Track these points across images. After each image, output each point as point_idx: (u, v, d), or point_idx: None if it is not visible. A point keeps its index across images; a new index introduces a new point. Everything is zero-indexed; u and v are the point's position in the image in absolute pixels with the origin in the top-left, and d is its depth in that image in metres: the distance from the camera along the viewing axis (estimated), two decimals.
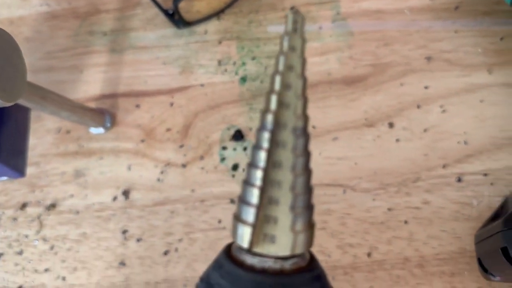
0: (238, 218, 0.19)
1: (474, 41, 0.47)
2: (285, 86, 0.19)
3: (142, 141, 0.49)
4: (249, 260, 0.18)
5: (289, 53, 0.19)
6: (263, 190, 0.18)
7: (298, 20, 0.19)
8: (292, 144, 0.18)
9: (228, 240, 0.44)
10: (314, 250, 0.41)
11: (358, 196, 0.44)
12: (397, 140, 0.45)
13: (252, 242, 0.18)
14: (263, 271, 0.18)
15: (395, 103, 0.47)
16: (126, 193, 0.47)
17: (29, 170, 0.49)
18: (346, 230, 0.43)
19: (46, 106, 0.36)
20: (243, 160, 0.46)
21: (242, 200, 0.19)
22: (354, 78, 0.48)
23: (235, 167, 0.46)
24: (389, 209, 0.43)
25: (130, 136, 0.49)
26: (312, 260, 0.19)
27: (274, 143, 0.18)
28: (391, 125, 0.46)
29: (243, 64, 0.50)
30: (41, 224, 0.47)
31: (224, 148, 0.47)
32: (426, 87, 0.47)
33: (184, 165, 0.47)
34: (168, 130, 0.49)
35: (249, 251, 0.18)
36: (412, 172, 0.44)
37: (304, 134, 0.19)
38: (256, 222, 0.18)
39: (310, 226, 0.19)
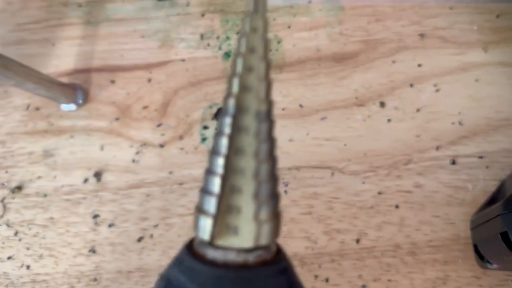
0: (199, 210, 0.17)
1: (470, 18, 0.45)
2: (247, 68, 0.18)
3: (117, 119, 0.45)
4: (211, 254, 0.17)
5: (251, 34, 0.18)
6: (225, 178, 0.17)
7: (259, 0, 0.18)
8: (255, 129, 0.17)
9: None
10: (299, 236, 0.38)
11: (347, 179, 0.41)
12: (389, 120, 0.43)
13: (213, 234, 0.17)
14: (225, 265, 0.17)
15: (386, 82, 0.44)
16: (98, 175, 0.44)
17: None
18: (334, 215, 0.41)
19: (9, 76, 0.33)
20: None
21: (204, 190, 0.17)
22: (344, 55, 0.45)
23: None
24: (379, 193, 0.41)
25: (104, 114, 0.46)
26: (279, 252, 0.18)
27: (236, 128, 0.17)
28: (382, 104, 0.43)
29: (227, 38, 0.47)
30: (5, 208, 0.44)
31: (205, 127, 0.44)
32: (419, 65, 0.44)
33: (161, 146, 0.44)
34: (145, 107, 0.45)
35: (211, 244, 0.17)
36: (403, 154, 0.42)
37: (267, 119, 0.17)
38: (218, 213, 0.17)
39: (275, 216, 0.17)
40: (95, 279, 0.41)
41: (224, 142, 0.17)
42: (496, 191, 0.38)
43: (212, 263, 0.17)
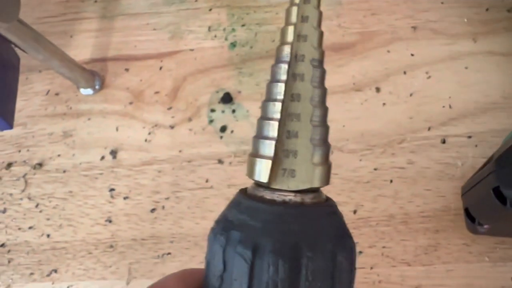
0: (255, 155, 0.18)
1: (460, 12, 0.49)
2: (302, 17, 0.18)
3: (131, 103, 0.49)
4: (269, 195, 0.18)
5: None
6: (282, 123, 0.18)
7: None
8: (310, 75, 0.18)
9: (216, 199, 0.44)
10: None
11: (345, 157, 0.45)
12: (384, 104, 0.46)
13: (271, 177, 0.17)
14: (284, 203, 0.17)
15: (382, 69, 0.47)
16: (113, 153, 0.47)
17: (16, 130, 0.49)
18: (333, 189, 0.44)
19: (39, 50, 0.37)
20: (231, 122, 0.47)
21: (259, 136, 0.18)
22: (342, 45, 0.49)
23: (223, 128, 0.47)
24: (375, 169, 0.44)
25: (119, 98, 0.49)
26: (328, 199, 0.19)
27: (292, 75, 0.18)
28: (378, 89, 0.47)
29: (233, 30, 0.50)
30: (27, 183, 0.47)
31: (212, 110, 0.48)
32: (412, 55, 0.48)
33: (172, 127, 0.47)
34: (157, 93, 0.49)
35: (267, 187, 0.18)
36: (397, 134, 0.45)
37: (321, 66, 0.18)
38: (276, 156, 0.17)
39: (327, 161, 0.18)
40: (111, 246, 0.44)
41: (280, 88, 0.18)
42: (484, 164, 0.41)
43: (272, 202, 0.17)
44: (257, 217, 0.17)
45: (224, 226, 0.17)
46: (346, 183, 0.44)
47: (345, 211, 0.43)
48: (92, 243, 0.44)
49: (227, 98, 0.47)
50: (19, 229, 0.46)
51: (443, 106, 0.45)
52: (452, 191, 0.43)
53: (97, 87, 0.49)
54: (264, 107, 0.18)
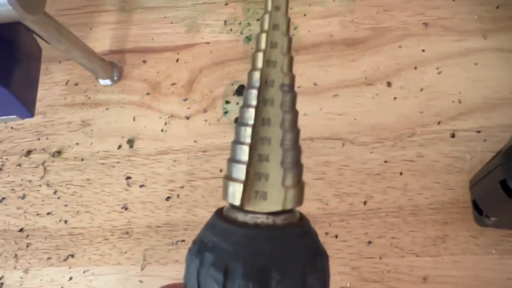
0: (229, 178, 0.18)
1: (471, 9, 0.50)
2: (271, 44, 0.19)
3: (148, 94, 0.50)
4: (241, 217, 0.18)
5: (274, 12, 0.19)
6: (253, 147, 0.18)
7: None
8: (280, 100, 0.18)
9: None
10: (312, 198, 0.43)
11: (356, 149, 0.46)
12: (395, 98, 0.47)
13: (243, 200, 0.18)
14: (256, 226, 0.18)
15: (393, 64, 0.48)
16: (130, 142, 0.48)
17: (36, 119, 0.50)
18: (344, 180, 0.45)
19: (62, 41, 0.38)
20: None
21: (233, 160, 0.18)
22: (354, 40, 0.50)
23: (237, 120, 0.48)
24: (385, 162, 0.45)
25: (136, 89, 0.50)
26: (302, 218, 0.19)
27: (262, 100, 0.18)
28: (389, 84, 0.48)
29: (248, 24, 0.52)
30: (45, 170, 0.49)
31: (227, 102, 0.49)
32: (423, 50, 0.49)
33: (187, 117, 0.49)
34: (173, 84, 0.50)
35: (241, 209, 0.18)
36: (407, 128, 0.46)
37: (291, 91, 0.19)
38: (247, 180, 0.18)
39: (299, 183, 0.19)
40: (126, 233, 0.45)
41: (251, 113, 0.18)
42: (492, 158, 0.42)
43: (244, 225, 0.18)
44: (229, 240, 0.17)
45: (199, 248, 0.18)
46: (356, 175, 0.45)
47: (355, 202, 0.44)
48: (108, 229, 0.46)
49: (241, 91, 0.48)
50: (38, 214, 0.47)
51: (453, 101, 0.46)
52: (460, 184, 0.44)
53: (115, 78, 0.50)
54: (236, 131, 0.19)
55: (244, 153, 0.18)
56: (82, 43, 0.42)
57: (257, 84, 0.18)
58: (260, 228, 0.18)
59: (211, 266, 0.17)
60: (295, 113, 0.19)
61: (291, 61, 0.19)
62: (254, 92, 0.18)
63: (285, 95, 0.18)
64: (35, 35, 0.42)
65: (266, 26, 0.19)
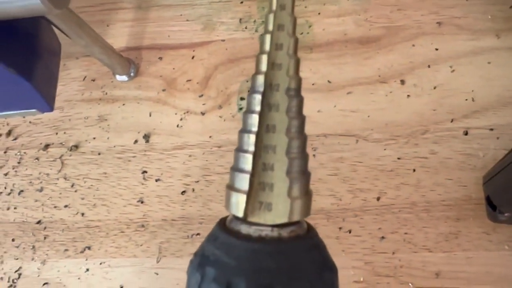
0: (231, 187, 0.17)
1: (484, 9, 0.50)
2: (276, 45, 0.17)
3: (164, 90, 0.51)
4: (245, 229, 0.17)
5: (279, 11, 0.18)
6: (256, 155, 0.17)
7: None
8: (286, 105, 0.17)
9: None
10: (326, 194, 0.43)
11: (370, 146, 0.46)
12: (408, 96, 0.48)
13: (247, 211, 0.17)
14: (260, 239, 0.17)
15: (406, 62, 0.49)
16: (146, 137, 0.49)
17: (54, 114, 0.51)
18: (357, 176, 0.45)
19: (82, 36, 0.39)
20: None
21: (235, 169, 0.17)
22: (369, 39, 0.50)
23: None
24: (399, 158, 0.45)
25: (152, 86, 0.51)
26: (310, 229, 0.18)
27: (267, 105, 0.17)
28: (402, 82, 0.48)
29: (263, 22, 0.52)
30: (63, 163, 0.49)
31: (242, 98, 0.49)
32: (436, 49, 0.49)
33: (203, 113, 0.49)
34: (189, 81, 0.51)
35: (244, 220, 0.17)
36: (421, 125, 0.46)
37: (297, 95, 0.18)
38: (251, 190, 0.17)
39: (306, 193, 0.18)
40: (142, 226, 0.46)
41: (254, 119, 0.17)
42: (506, 155, 0.43)
43: (247, 238, 0.17)
44: (232, 254, 0.16)
45: (200, 262, 0.17)
46: (370, 171, 0.45)
47: (369, 198, 0.44)
48: (125, 222, 0.46)
49: None
50: (55, 207, 0.48)
51: (466, 99, 0.47)
52: (473, 181, 0.44)
53: (132, 74, 0.51)
54: (239, 138, 0.18)
55: (247, 161, 0.17)
56: (101, 38, 0.43)
57: (261, 88, 0.17)
58: (264, 241, 0.17)
59: (212, 282, 0.16)
60: (302, 119, 0.18)
61: (297, 63, 0.18)
62: (258, 97, 0.17)
63: (291, 100, 0.17)
64: (55, 31, 0.43)
65: (270, 27, 0.18)
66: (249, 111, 0.17)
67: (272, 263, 0.16)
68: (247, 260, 0.16)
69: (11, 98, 0.41)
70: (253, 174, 0.17)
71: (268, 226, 0.17)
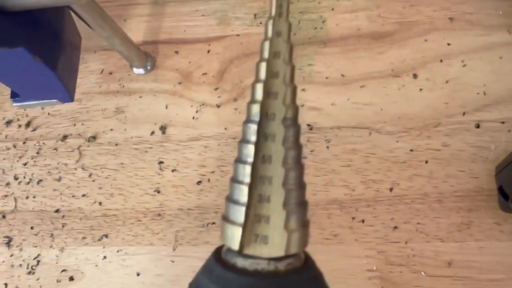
0: (226, 219, 0.17)
1: (496, 4, 0.51)
2: (272, 74, 0.17)
3: (180, 83, 0.52)
4: (241, 262, 0.17)
5: (275, 38, 0.18)
6: (252, 187, 0.16)
7: (283, 4, 0.18)
8: (282, 136, 0.17)
9: None
10: (339, 184, 0.44)
11: (383, 138, 0.47)
12: (420, 90, 0.48)
13: (243, 244, 0.16)
14: (256, 273, 0.16)
15: (419, 57, 0.50)
16: (163, 129, 0.50)
17: (72, 105, 0.52)
18: (370, 168, 0.46)
19: (105, 28, 0.40)
20: None
21: (230, 199, 0.17)
22: (381, 34, 0.51)
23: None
24: (411, 150, 0.46)
25: (169, 79, 0.52)
26: (307, 260, 0.18)
27: (263, 135, 0.17)
28: (415, 76, 0.49)
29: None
30: (81, 154, 0.50)
31: None
32: (448, 44, 0.50)
33: (218, 106, 0.50)
34: (204, 74, 0.52)
35: (240, 253, 0.17)
36: (433, 118, 0.47)
37: (294, 125, 0.17)
38: (247, 222, 0.16)
39: (304, 224, 0.17)
40: (159, 215, 0.47)
41: (250, 150, 0.17)
42: None
43: (243, 272, 0.16)
44: None
45: None
46: (383, 163, 0.46)
47: (382, 188, 0.45)
48: (141, 211, 0.47)
49: None
50: (73, 196, 0.49)
51: (478, 93, 0.47)
52: (485, 173, 0.45)
53: (148, 67, 0.52)
54: (235, 168, 0.17)
55: (243, 193, 0.16)
56: (122, 31, 0.44)
57: (257, 118, 0.17)
58: (260, 275, 0.16)
59: None
60: (298, 149, 0.17)
61: (294, 91, 0.17)
62: (253, 127, 0.17)
63: (288, 130, 0.17)
64: (76, 22, 0.44)
65: (266, 54, 0.17)
66: (245, 140, 0.17)
67: None
68: None
69: (35, 88, 0.42)
70: (248, 206, 0.16)
71: (265, 259, 0.17)
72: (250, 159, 0.17)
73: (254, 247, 0.16)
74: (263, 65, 0.17)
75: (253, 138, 0.17)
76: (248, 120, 0.17)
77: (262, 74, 0.17)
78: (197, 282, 0.17)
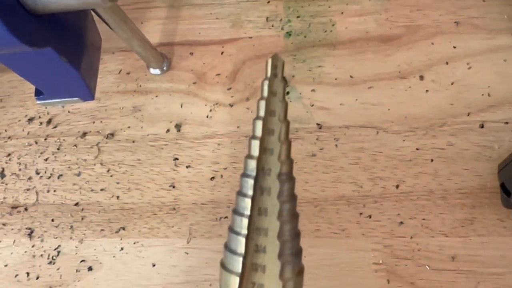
0: (224, 267, 0.18)
1: (501, 9, 0.52)
2: (268, 131, 0.18)
3: (194, 83, 0.54)
4: None
5: (270, 98, 0.19)
6: (249, 238, 0.17)
7: (278, 65, 0.19)
8: (277, 190, 0.18)
9: None
10: (347, 181, 0.46)
11: (390, 137, 0.49)
12: (427, 91, 0.50)
13: None
14: None
15: (425, 59, 0.51)
16: (178, 127, 0.52)
17: (91, 104, 0.55)
18: (377, 165, 0.48)
19: (125, 30, 0.42)
20: None
21: (228, 248, 0.18)
22: (389, 37, 0.53)
23: None
24: (417, 149, 0.48)
25: (184, 79, 0.54)
26: None
27: (259, 190, 0.18)
28: (421, 77, 0.51)
29: (289, 21, 0.55)
30: (99, 150, 0.53)
31: None
32: (454, 47, 0.52)
33: (231, 105, 0.52)
34: (218, 75, 0.54)
35: None
36: (438, 118, 0.49)
37: (289, 179, 0.18)
38: (244, 271, 0.17)
39: (299, 272, 0.18)
40: (173, 209, 0.49)
41: (247, 203, 0.18)
42: None
43: None
44: None
45: None
46: (389, 161, 0.48)
47: (388, 185, 0.47)
48: (157, 205, 0.49)
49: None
50: (92, 190, 0.51)
51: (482, 94, 0.49)
52: (488, 171, 0.46)
53: (164, 68, 0.54)
54: (232, 220, 0.18)
55: (240, 244, 0.17)
56: (141, 33, 0.46)
57: (254, 173, 0.18)
58: None
59: None
60: (293, 201, 0.18)
61: (288, 147, 0.18)
62: (250, 182, 0.18)
63: (283, 184, 0.18)
64: (98, 24, 0.46)
65: (262, 113, 0.18)
66: (242, 194, 0.18)
67: None
68: None
69: (58, 86, 0.44)
70: (245, 256, 0.17)
71: None
72: (247, 212, 0.18)
73: None
74: (259, 123, 0.18)
75: (250, 192, 0.18)
76: (245, 175, 0.18)
77: (259, 132, 0.18)
78: None
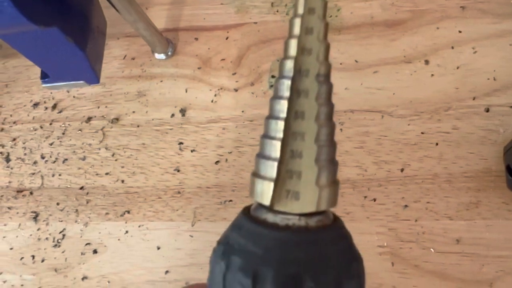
0: (257, 175, 0.17)
1: None
2: (307, 30, 0.17)
3: (199, 68, 0.54)
4: (271, 218, 0.17)
5: None
6: (285, 142, 0.16)
7: None
8: (315, 92, 0.17)
9: None
10: (352, 165, 0.46)
11: (395, 121, 0.49)
12: (432, 75, 0.50)
13: (274, 199, 0.16)
14: (287, 228, 0.16)
15: (431, 44, 0.51)
16: (182, 111, 0.52)
17: (96, 89, 0.55)
18: (382, 149, 0.48)
19: (131, 12, 0.42)
20: None
21: (262, 155, 0.17)
22: (395, 22, 0.53)
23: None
24: (422, 133, 0.48)
25: (188, 64, 0.54)
26: (336, 219, 0.18)
27: (296, 91, 0.17)
28: (426, 62, 0.50)
29: (294, 6, 0.55)
30: (104, 135, 0.53)
31: (273, 76, 0.52)
32: (460, 31, 0.51)
33: (236, 90, 0.52)
34: (223, 60, 0.54)
35: (270, 209, 0.17)
36: (444, 102, 0.49)
37: (327, 81, 0.17)
38: (278, 177, 0.16)
39: (334, 182, 0.17)
40: (178, 192, 0.49)
41: (283, 105, 0.16)
42: None
43: (274, 227, 0.16)
44: (258, 243, 0.16)
45: (224, 250, 0.17)
46: (395, 145, 0.48)
47: (393, 169, 0.47)
48: (162, 189, 0.50)
49: None
50: (97, 174, 0.51)
51: (488, 79, 0.49)
52: (493, 155, 0.46)
53: (169, 53, 0.54)
54: (266, 125, 0.17)
55: (275, 149, 0.16)
56: (146, 16, 0.46)
57: (290, 73, 0.17)
58: (291, 230, 0.16)
59: (238, 271, 0.16)
60: (331, 106, 0.17)
61: (327, 49, 0.17)
62: (286, 83, 0.17)
63: (321, 86, 0.17)
64: (103, 10, 0.47)
65: (300, 10, 0.17)
66: (277, 96, 0.17)
67: (301, 253, 0.16)
68: (275, 249, 0.16)
69: (64, 69, 0.44)
70: (281, 162, 0.16)
71: (295, 215, 0.17)
72: (283, 115, 0.16)
73: (285, 203, 0.16)
74: (298, 21, 0.17)
75: (286, 94, 0.17)
76: (281, 76, 0.17)
77: (297, 30, 0.17)
78: (226, 238, 0.17)
